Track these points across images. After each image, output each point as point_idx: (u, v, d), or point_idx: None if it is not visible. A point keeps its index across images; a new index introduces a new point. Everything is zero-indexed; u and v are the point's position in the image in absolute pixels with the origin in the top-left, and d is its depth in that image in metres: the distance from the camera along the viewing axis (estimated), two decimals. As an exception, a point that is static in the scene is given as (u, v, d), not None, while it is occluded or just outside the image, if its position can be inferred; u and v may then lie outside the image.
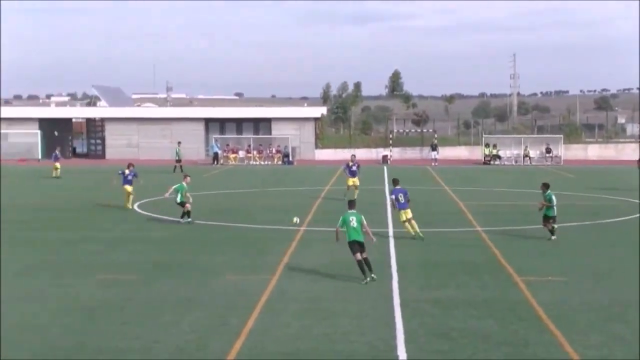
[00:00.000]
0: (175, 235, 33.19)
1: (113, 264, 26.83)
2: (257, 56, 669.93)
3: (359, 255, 23.68)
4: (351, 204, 25.03)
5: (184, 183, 36.87)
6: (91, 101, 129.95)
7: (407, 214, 31.60)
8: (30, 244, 31.06)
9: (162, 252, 29.16)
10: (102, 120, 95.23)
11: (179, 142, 76.28)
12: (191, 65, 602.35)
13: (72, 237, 32.69)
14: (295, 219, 29.51)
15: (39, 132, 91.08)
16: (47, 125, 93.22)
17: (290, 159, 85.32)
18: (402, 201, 31.47)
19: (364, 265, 23.70)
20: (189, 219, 36.08)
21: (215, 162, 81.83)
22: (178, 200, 36.42)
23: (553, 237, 31.28)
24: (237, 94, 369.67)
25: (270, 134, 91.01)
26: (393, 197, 31.86)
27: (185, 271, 25.62)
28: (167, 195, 37.81)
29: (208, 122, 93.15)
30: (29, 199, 47.32)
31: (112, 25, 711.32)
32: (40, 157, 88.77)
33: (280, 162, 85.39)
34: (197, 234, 33.73)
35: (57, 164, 63.71)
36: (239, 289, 22.97)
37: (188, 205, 36.21)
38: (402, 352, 16.96)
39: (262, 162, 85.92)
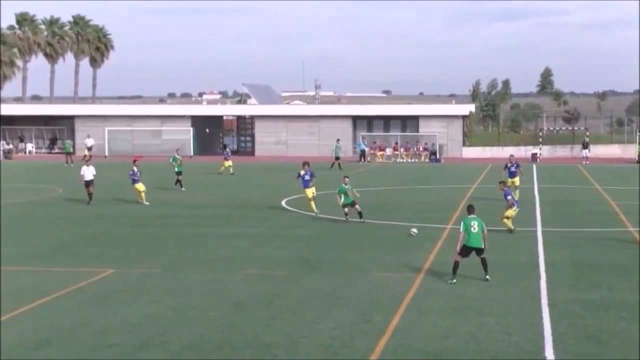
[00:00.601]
0: (322, 232, 33.46)
1: (261, 260, 27.23)
2: (405, 54, 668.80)
3: (461, 259, 23.48)
4: (470, 208, 24.62)
5: (343, 185, 36.20)
6: (241, 99, 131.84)
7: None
8: (183, 239, 31.80)
9: (309, 249, 29.46)
10: (252, 117, 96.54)
11: (338, 139, 76.65)
12: (340, 64, 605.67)
13: (224, 232, 33.33)
14: (414, 230, 31.55)
15: (191, 129, 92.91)
16: (199, 123, 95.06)
17: (438, 156, 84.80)
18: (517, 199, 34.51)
19: (458, 268, 23.51)
20: (362, 219, 35.69)
21: (362, 160, 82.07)
22: (341, 202, 35.92)
23: None
24: (384, 92, 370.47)
25: (418, 131, 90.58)
26: (510, 197, 33.41)
27: (331, 268, 25.82)
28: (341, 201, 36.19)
29: (355, 119, 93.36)
30: (185, 195, 48.32)
31: (263, 25, 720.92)
32: (192, 153, 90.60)
33: (427, 160, 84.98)
34: (344, 231, 33.90)
35: (228, 162, 64.27)
36: (385, 286, 23.00)
37: (357, 207, 35.72)
38: (549, 353, 16.70)
39: (409, 160, 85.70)
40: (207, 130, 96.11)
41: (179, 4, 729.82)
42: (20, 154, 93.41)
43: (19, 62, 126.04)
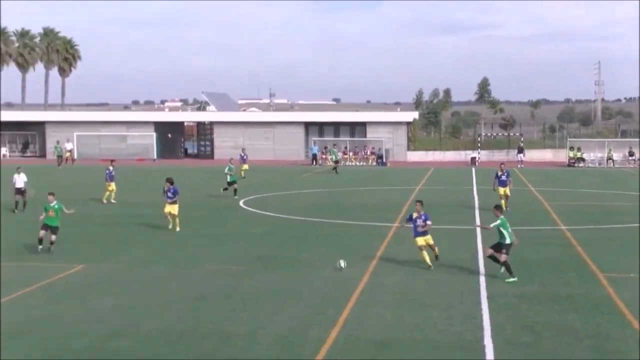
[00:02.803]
0: (277, 231, 33.42)
1: (221, 257, 27.18)
2: (354, 64, 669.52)
3: (502, 257, 23.50)
4: (499, 208, 24.54)
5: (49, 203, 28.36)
6: (201, 106, 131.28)
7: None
8: (149, 237, 31.64)
9: (265, 246, 29.37)
10: (211, 123, 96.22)
11: (334, 144, 77.94)
12: (293, 74, 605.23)
13: (187, 231, 33.08)
14: (342, 263, 24.65)
15: (154, 134, 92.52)
16: (162, 128, 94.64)
17: (384, 160, 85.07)
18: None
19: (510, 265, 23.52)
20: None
21: (314, 163, 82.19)
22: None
23: None
24: (334, 100, 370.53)
25: (366, 136, 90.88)
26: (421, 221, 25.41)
27: (286, 264, 25.81)
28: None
29: (308, 125, 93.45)
30: (147, 197, 47.98)
31: (221, 37, 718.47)
32: (155, 157, 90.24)
33: (374, 163, 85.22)
34: (298, 229, 33.91)
35: (245, 165, 61.89)
36: (336, 281, 23.03)
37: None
38: (488, 342, 16.84)
39: (358, 163, 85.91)
40: (169, 135, 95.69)
41: (144, 17, 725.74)
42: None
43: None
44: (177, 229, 33.04)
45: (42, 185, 50.84)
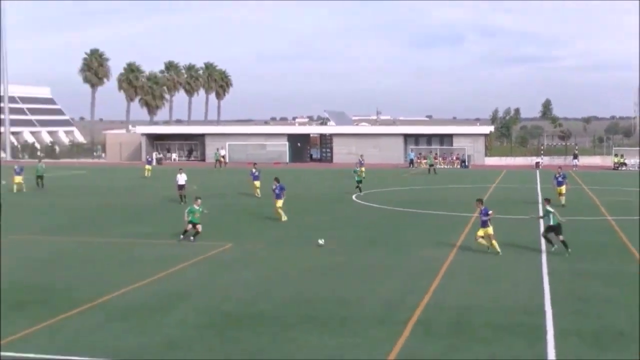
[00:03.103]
0: (381, 219, 33.32)
1: (337, 239, 27.17)
2: (443, 88, 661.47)
3: (559, 237, 23.60)
4: (548, 200, 25.24)
5: (195, 206, 27.32)
6: (323, 121, 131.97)
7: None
8: (281, 224, 31.86)
9: (372, 231, 29.36)
10: (331, 135, 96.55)
11: (433, 152, 77.77)
12: (395, 95, 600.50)
13: (312, 219, 33.34)
14: (321, 241, 25.39)
15: (287, 143, 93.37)
16: (293, 139, 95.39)
17: (466, 164, 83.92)
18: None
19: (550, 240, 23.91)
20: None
21: (411, 166, 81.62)
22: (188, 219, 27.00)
23: None
24: (427, 116, 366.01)
25: (452, 145, 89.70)
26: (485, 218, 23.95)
27: (388, 245, 25.74)
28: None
29: (406, 136, 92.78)
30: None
31: (340, 66, 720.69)
32: (287, 160, 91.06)
33: (458, 166, 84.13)
34: (397, 218, 33.77)
35: (362, 168, 56.37)
36: (428, 259, 22.87)
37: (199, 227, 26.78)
38: (548, 308, 16.54)
39: (445, 166, 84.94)
40: (299, 144, 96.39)
41: (280, 53, 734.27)
42: (167, 161, 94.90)
43: (167, 96, 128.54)
44: (284, 218, 32.09)
45: (202, 182, 52.06)
